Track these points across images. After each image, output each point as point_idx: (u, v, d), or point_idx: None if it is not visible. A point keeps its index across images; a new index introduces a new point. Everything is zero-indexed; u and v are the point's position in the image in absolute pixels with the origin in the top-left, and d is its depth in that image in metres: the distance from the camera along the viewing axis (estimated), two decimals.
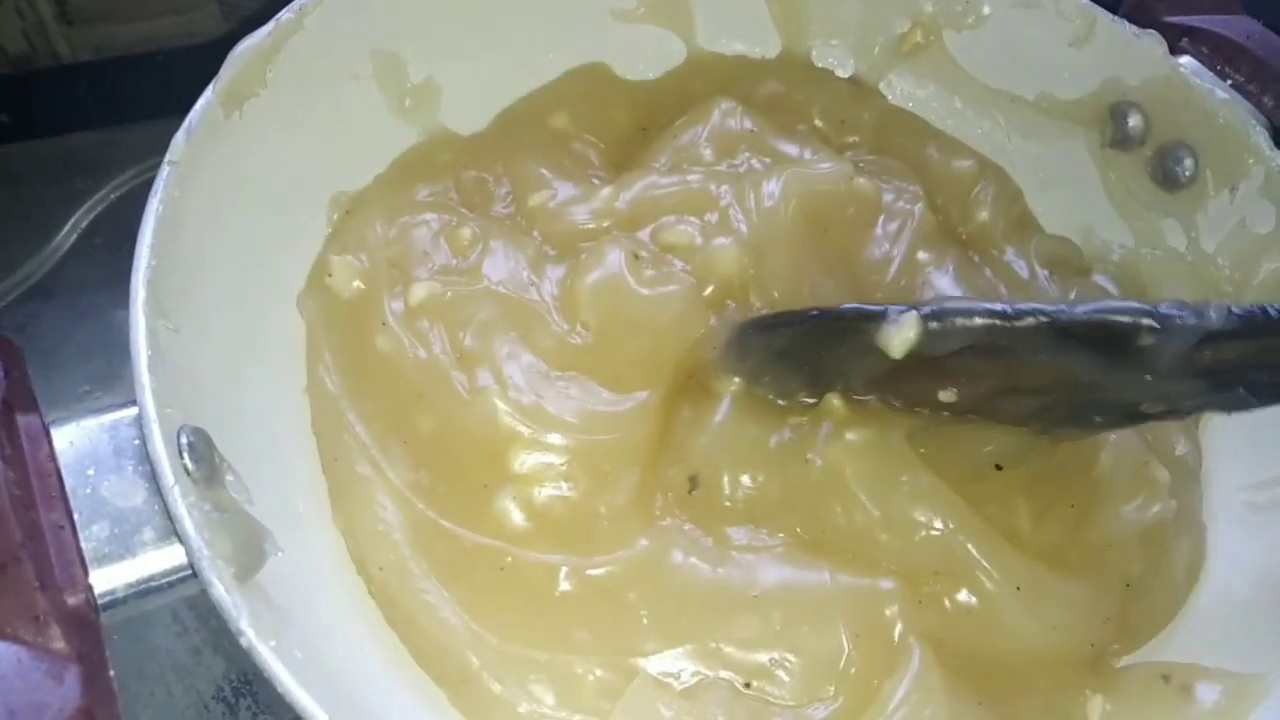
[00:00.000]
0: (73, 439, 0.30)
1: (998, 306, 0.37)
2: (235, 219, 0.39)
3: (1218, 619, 0.39)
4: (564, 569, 0.37)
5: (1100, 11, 0.48)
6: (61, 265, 0.56)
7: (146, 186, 0.59)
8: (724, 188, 0.46)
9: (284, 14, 0.41)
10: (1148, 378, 0.36)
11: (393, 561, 0.37)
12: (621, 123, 0.52)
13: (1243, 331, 0.34)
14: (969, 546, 0.38)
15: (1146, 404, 0.37)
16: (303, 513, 0.38)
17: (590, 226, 0.45)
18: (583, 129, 0.51)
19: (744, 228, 0.45)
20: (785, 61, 0.54)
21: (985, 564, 0.38)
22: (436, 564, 0.37)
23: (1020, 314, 0.36)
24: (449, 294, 0.42)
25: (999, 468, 0.41)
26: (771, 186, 0.46)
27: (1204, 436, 0.44)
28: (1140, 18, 0.49)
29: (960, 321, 0.37)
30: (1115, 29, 0.48)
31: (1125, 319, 0.35)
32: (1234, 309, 0.34)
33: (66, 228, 0.57)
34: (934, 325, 0.37)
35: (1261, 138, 0.44)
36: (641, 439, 0.40)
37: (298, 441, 0.40)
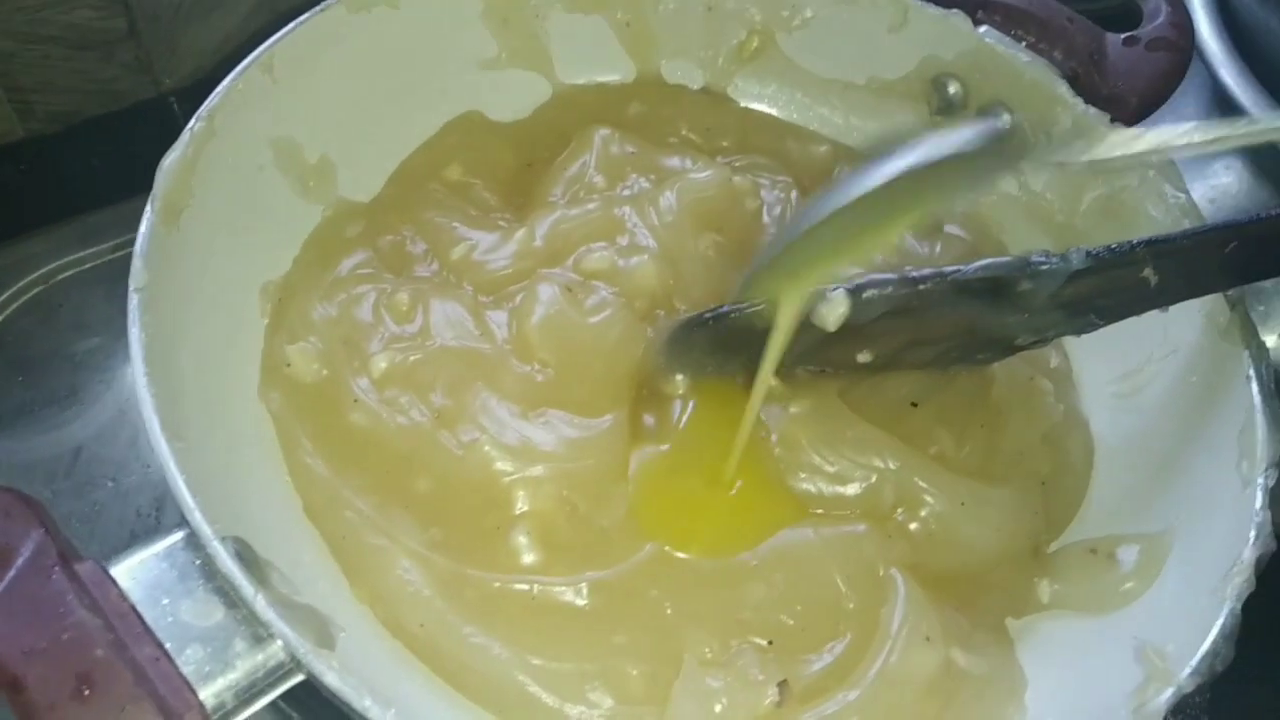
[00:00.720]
0: (134, 575, 0.31)
1: (907, 274, 0.43)
2: (191, 328, 0.40)
3: (1116, 493, 0.47)
4: (585, 585, 0.41)
5: (911, 0, 0.55)
6: None
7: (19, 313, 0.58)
8: (625, 209, 0.50)
9: (194, 122, 0.42)
10: (1025, 315, 0.44)
11: (432, 617, 0.39)
12: (507, 163, 0.55)
13: (1094, 268, 0.42)
14: (915, 479, 0.44)
15: (1021, 337, 0.45)
16: (326, 593, 0.40)
17: (515, 269, 0.49)
18: (474, 175, 0.53)
19: (652, 242, 0.50)
20: (642, 83, 0.58)
21: (933, 489, 0.44)
22: (471, 609, 0.40)
23: (925, 278, 0.43)
24: (410, 359, 0.44)
25: (914, 405, 0.48)
26: (666, 200, 0.51)
27: (1069, 349, 0.52)
28: None
29: (880, 291, 0.43)
30: (925, 11, 0.55)
31: (1007, 272, 0.42)
32: (1089, 250, 0.42)
33: None
34: (862, 296, 0.42)
35: (1063, 88, 0.52)
36: (621, 454, 0.44)
37: (298, 529, 0.41)
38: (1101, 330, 0.46)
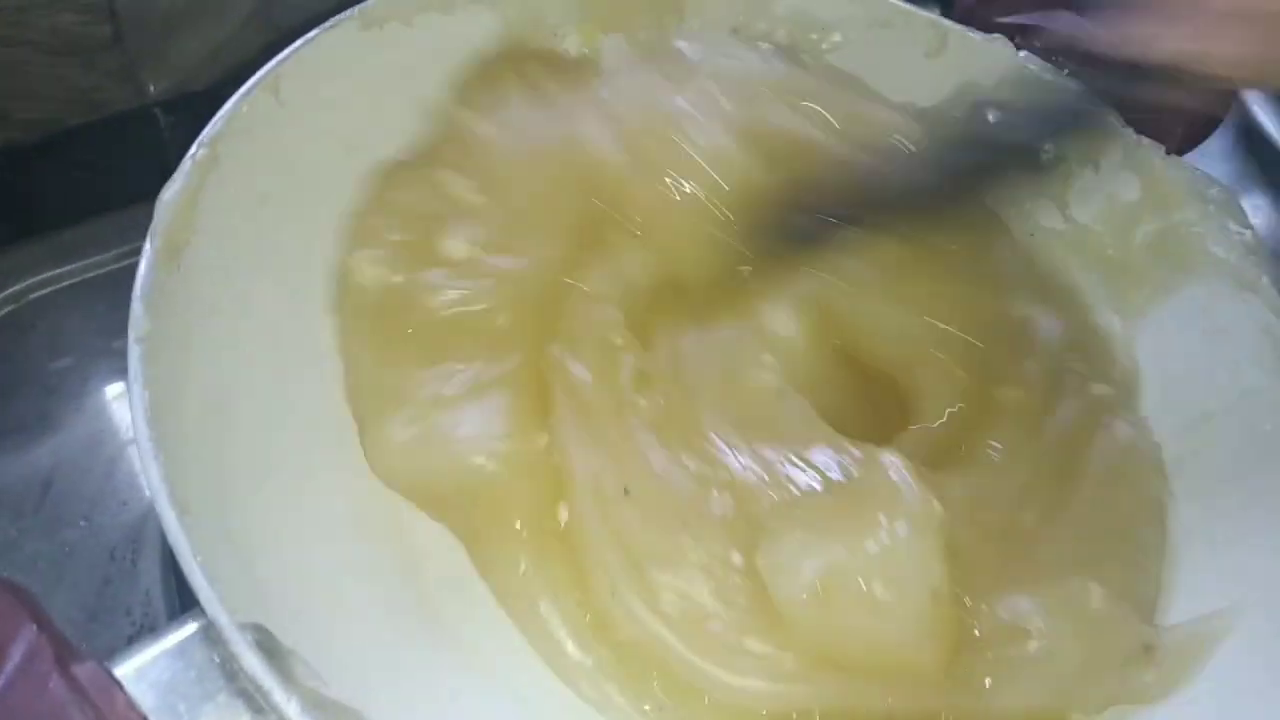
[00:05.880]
0: (145, 676, 0.27)
1: None
2: (194, 379, 0.36)
3: None
4: None
5: (950, 25, 0.52)
6: None
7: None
8: None
9: (196, 150, 0.38)
10: None
11: None
12: None
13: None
14: None
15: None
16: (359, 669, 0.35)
17: None
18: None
19: None
20: None
21: None
22: None
23: None
24: None
25: None
26: None
27: None
28: (973, 21, 0.54)
29: None
30: (966, 37, 0.52)
31: None
32: None
33: None
34: None
35: (1113, 117, 0.50)
36: None
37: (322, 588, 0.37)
38: None
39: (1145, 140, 0.49)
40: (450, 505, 0.39)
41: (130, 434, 0.51)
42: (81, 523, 0.48)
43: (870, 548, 0.35)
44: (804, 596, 0.34)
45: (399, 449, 0.38)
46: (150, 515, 0.49)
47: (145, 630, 0.45)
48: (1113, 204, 0.50)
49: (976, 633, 0.37)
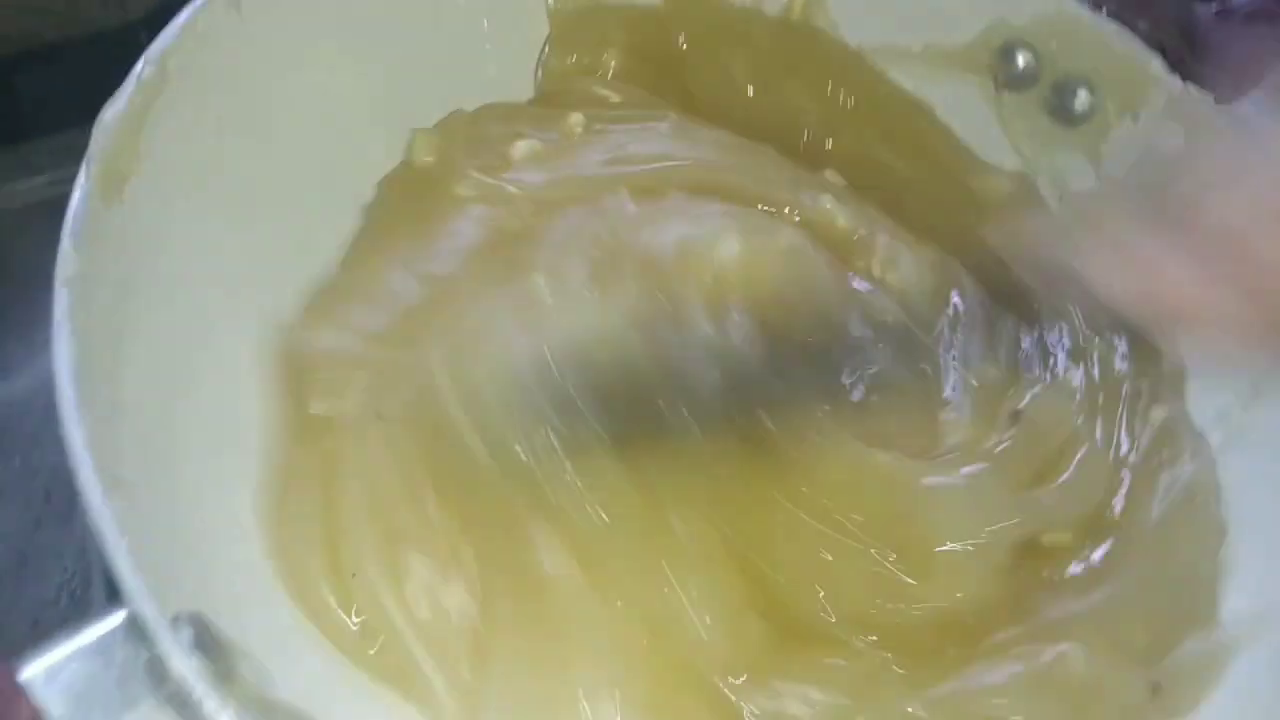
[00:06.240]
0: (56, 680, 0.23)
1: None
2: (139, 331, 0.32)
3: None
4: None
5: None
6: None
7: None
8: None
9: (142, 67, 0.33)
10: None
11: None
12: None
13: None
14: None
15: None
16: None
17: None
18: None
19: None
20: None
21: None
22: None
23: None
24: None
25: None
26: None
27: None
28: None
29: None
30: None
31: None
32: None
33: None
34: None
35: (1156, 63, 0.46)
36: None
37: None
38: None
39: (1194, 88, 0.45)
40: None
41: None
42: (15, 461, 0.45)
43: None
44: None
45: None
46: None
47: (77, 577, 0.41)
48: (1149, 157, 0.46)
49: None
